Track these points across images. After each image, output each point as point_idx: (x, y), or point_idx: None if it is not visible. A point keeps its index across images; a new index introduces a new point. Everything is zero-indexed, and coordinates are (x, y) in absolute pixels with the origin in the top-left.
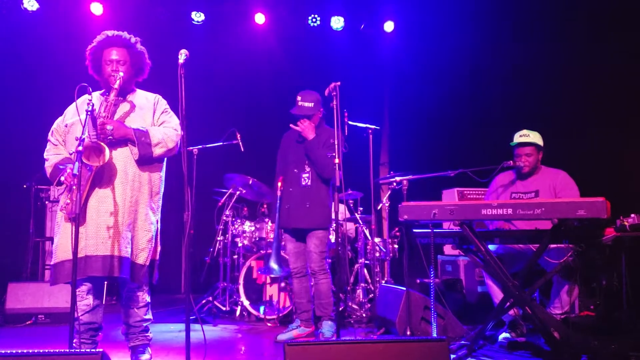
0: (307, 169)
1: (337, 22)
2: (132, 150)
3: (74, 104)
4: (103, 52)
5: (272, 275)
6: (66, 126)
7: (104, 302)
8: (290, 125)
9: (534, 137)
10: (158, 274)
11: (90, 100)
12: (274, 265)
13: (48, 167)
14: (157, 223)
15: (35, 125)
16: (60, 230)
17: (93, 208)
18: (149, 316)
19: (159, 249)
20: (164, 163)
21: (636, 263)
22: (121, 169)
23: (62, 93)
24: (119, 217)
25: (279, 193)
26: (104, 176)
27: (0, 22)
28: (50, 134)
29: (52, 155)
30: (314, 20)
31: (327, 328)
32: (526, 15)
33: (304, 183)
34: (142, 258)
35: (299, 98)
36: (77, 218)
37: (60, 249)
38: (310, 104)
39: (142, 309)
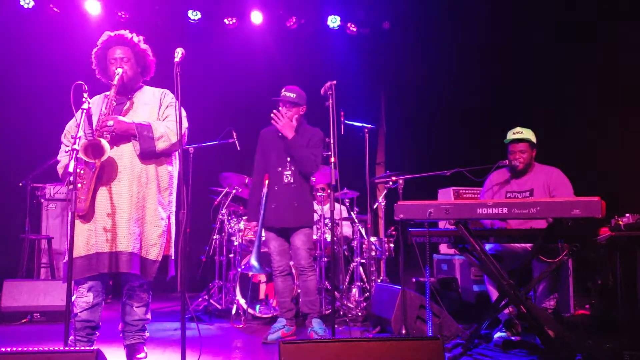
0: (289, 167)
1: (333, 21)
2: (134, 145)
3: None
4: (107, 52)
5: (251, 273)
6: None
7: None
8: (273, 111)
9: (528, 134)
10: (173, 270)
11: (86, 98)
12: (254, 262)
13: (59, 168)
14: (169, 219)
15: (31, 123)
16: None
17: (101, 205)
18: (148, 316)
19: (172, 244)
20: (174, 159)
21: (631, 262)
22: (127, 165)
23: (58, 91)
24: (127, 213)
25: (265, 190)
26: (110, 173)
27: None
28: (62, 136)
29: (64, 157)
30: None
31: (318, 325)
32: (521, 16)
33: (286, 181)
34: (154, 254)
35: (282, 90)
36: (73, 216)
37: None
38: (293, 95)
39: (141, 308)
